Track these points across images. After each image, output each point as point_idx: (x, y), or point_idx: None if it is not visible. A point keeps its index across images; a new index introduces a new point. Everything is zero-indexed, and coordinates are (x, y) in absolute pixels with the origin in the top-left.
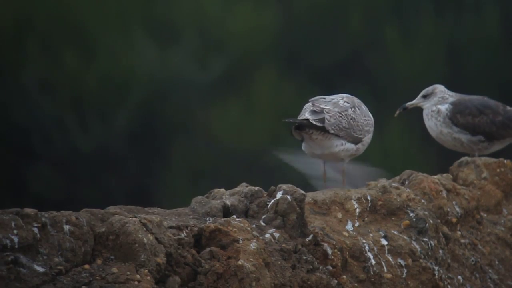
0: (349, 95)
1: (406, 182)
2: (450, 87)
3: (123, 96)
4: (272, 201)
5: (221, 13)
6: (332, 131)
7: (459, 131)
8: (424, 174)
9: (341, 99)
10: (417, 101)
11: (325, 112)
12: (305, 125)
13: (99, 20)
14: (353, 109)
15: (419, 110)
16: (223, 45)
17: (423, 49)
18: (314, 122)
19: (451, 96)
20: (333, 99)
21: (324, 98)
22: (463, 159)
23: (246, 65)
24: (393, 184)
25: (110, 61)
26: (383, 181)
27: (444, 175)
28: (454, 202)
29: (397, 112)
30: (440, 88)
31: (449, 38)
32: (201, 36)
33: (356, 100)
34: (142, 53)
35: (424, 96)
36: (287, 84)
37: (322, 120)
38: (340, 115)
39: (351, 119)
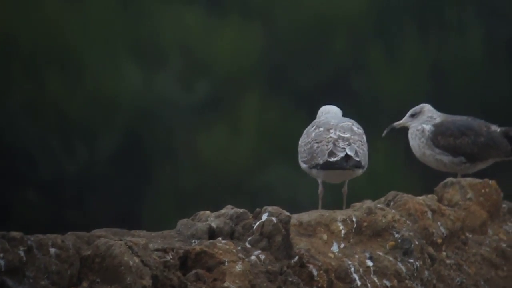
0: (342, 117)
1: (392, 203)
2: (434, 107)
3: (109, 118)
4: (257, 223)
5: (206, 35)
6: (363, 163)
7: (441, 153)
8: (409, 195)
9: (351, 124)
10: (404, 120)
11: (351, 142)
12: (352, 166)
13: (84, 42)
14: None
15: (404, 130)
16: (208, 68)
17: (407, 69)
18: (356, 159)
19: (439, 117)
20: (343, 122)
21: (331, 121)
22: (448, 180)
23: (231, 87)
24: (378, 205)
25: (95, 84)
26: (368, 203)
27: (429, 196)
28: (439, 223)
29: (385, 132)
30: (428, 108)
31: (433, 59)
32: (186, 59)
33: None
34: (127, 76)
35: (412, 116)
36: (272, 105)
37: (357, 154)
38: (361, 143)
39: (364, 144)
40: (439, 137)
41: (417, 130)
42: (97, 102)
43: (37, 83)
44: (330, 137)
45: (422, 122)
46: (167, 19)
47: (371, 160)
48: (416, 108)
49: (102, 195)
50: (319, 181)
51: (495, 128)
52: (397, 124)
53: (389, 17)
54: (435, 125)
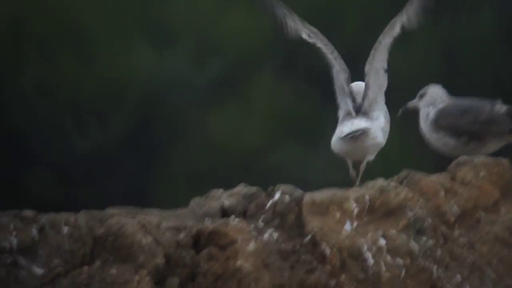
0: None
1: (404, 182)
2: (446, 88)
3: (121, 99)
4: (270, 202)
5: (217, 15)
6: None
7: (445, 135)
8: (422, 173)
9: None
10: (415, 101)
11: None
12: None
13: (96, 23)
14: None
15: (416, 111)
16: (220, 48)
17: (420, 49)
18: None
19: (443, 101)
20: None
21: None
22: (461, 158)
23: (243, 68)
24: (391, 184)
25: (107, 64)
26: (381, 181)
27: (442, 174)
28: (452, 201)
29: (400, 112)
30: (431, 89)
31: (446, 39)
32: (197, 39)
33: None
34: (139, 56)
35: (421, 96)
36: (284, 86)
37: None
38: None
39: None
40: (441, 119)
41: (424, 114)
42: (109, 82)
43: (49, 64)
44: None
45: (427, 104)
46: None
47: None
48: (423, 89)
49: (115, 174)
50: (350, 165)
51: (500, 107)
52: (409, 103)
53: None
54: (439, 109)
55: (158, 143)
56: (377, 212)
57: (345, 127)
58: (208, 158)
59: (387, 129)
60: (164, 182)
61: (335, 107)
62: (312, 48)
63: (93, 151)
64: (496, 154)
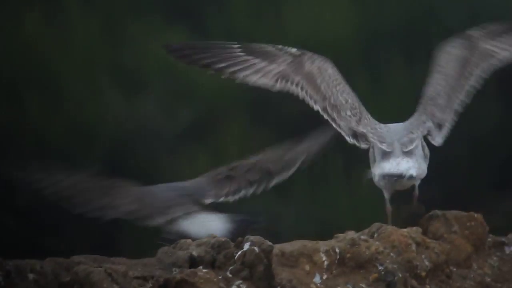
0: None
1: (375, 235)
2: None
3: (89, 144)
4: (239, 253)
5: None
6: None
7: None
8: (394, 227)
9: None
10: None
11: None
12: None
13: (65, 67)
14: None
15: None
16: (191, 94)
17: (394, 99)
18: None
19: None
20: None
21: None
22: (433, 212)
23: (214, 115)
24: (362, 236)
25: (76, 109)
26: (352, 234)
27: (414, 228)
28: (423, 256)
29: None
30: None
31: (421, 89)
32: (168, 85)
33: None
34: (109, 102)
35: None
36: (257, 134)
37: None
38: None
39: None
40: None
41: None
42: (78, 127)
43: (16, 108)
44: None
45: None
46: (149, 42)
47: (355, 189)
48: None
49: (82, 221)
50: (388, 202)
51: None
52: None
53: (376, 46)
54: None
55: None
56: (348, 265)
57: (388, 165)
58: None
59: (427, 151)
60: (132, 231)
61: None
62: (285, 95)
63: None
64: (469, 208)
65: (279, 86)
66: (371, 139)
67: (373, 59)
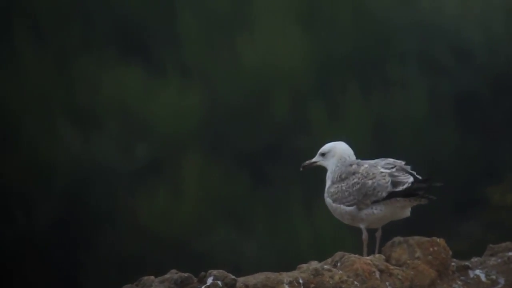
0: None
1: (339, 264)
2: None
3: (46, 183)
4: (202, 287)
5: (144, 97)
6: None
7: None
8: (356, 255)
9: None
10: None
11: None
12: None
13: (20, 106)
14: None
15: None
16: (148, 130)
17: (350, 127)
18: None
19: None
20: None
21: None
22: (396, 239)
23: (171, 151)
24: (325, 266)
25: (32, 148)
26: (315, 264)
27: (377, 255)
28: (387, 283)
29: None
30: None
31: (376, 116)
32: (124, 121)
33: None
34: (65, 140)
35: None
36: (214, 169)
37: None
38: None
39: None
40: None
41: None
42: (35, 167)
43: None
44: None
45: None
46: (104, 81)
47: (315, 220)
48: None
49: (43, 261)
50: (363, 227)
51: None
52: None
53: (330, 75)
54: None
55: (86, 229)
56: None
57: None
58: (137, 243)
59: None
60: (93, 269)
61: (266, 190)
62: (241, 131)
63: (20, 237)
64: (432, 233)
65: None
66: None
67: (328, 86)
